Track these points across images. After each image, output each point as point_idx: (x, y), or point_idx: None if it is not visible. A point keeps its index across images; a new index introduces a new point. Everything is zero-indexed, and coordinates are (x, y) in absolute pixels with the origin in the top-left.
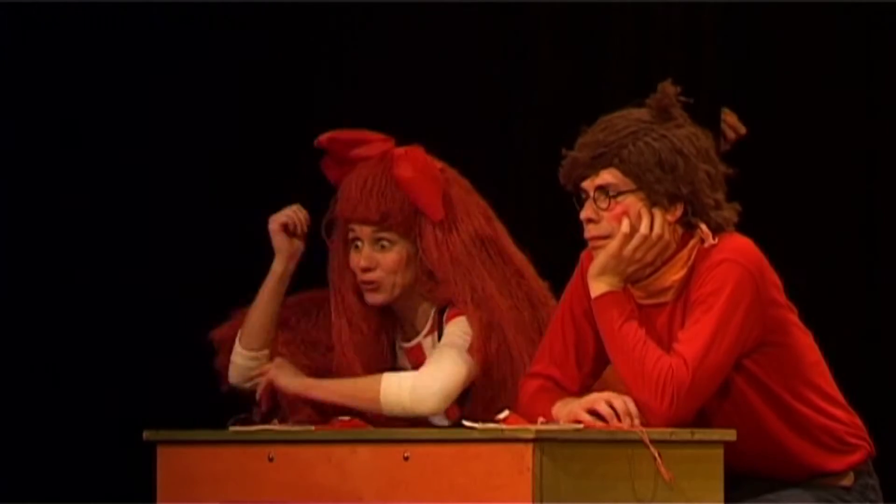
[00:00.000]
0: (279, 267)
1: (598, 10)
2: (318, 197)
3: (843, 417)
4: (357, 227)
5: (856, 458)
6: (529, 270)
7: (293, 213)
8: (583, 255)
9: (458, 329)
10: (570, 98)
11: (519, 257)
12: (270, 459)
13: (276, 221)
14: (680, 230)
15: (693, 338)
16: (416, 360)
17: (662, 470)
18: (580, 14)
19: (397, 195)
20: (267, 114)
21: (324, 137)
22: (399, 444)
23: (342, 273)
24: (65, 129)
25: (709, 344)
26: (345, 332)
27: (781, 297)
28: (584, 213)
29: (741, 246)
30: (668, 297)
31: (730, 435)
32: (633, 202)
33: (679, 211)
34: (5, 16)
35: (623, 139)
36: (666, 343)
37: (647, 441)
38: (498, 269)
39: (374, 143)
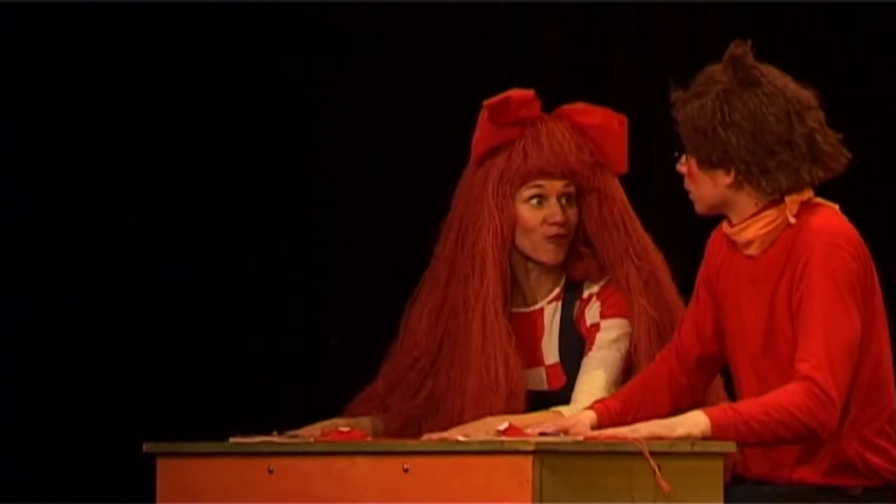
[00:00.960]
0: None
1: (601, 10)
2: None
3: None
4: (546, 183)
5: (874, 483)
6: None
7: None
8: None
9: (613, 334)
10: (572, 99)
11: None
12: (270, 471)
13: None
14: (755, 191)
15: (811, 349)
16: (531, 324)
17: (662, 482)
18: (582, 15)
19: (587, 149)
20: (266, 115)
21: (493, 100)
22: (399, 456)
23: (497, 236)
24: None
25: (829, 352)
26: (493, 294)
27: (876, 287)
28: (678, 167)
29: (835, 227)
30: (754, 249)
31: (729, 447)
32: (692, 164)
33: (731, 176)
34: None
35: (685, 100)
36: (756, 298)
37: (647, 453)
38: (640, 225)
39: (531, 103)
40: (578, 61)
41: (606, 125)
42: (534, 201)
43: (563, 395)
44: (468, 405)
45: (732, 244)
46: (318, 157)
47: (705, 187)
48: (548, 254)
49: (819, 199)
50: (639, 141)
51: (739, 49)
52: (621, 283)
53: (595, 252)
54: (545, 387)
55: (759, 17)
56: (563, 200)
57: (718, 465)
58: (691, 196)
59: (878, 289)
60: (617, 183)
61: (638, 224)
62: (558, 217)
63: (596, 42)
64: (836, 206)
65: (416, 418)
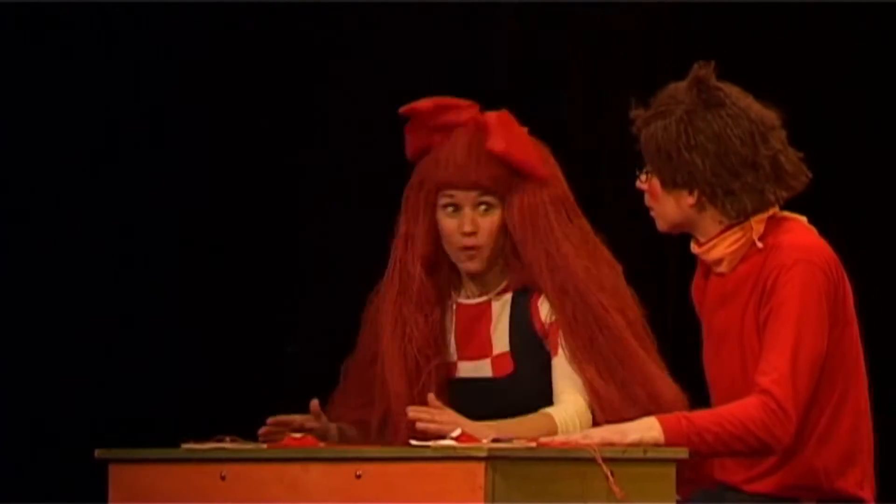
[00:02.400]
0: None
1: (558, 10)
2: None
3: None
4: (459, 193)
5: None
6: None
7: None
8: None
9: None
10: (529, 101)
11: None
12: (222, 478)
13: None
14: (718, 212)
15: (773, 363)
16: (479, 315)
17: (615, 488)
18: (539, 16)
19: (495, 161)
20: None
21: (406, 107)
22: (351, 463)
23: (412, 241)
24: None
25: (792, 366)
26: (407, 306)
27: (849, 303)
28: (637, 184)
29: (805, 243)
30: (723, 267)
31: (682, 453)
32: (655, 184)
33: (694, 197)
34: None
35: (647, 119)
36: (724, 314)
37: (600, 459)
38: (575, 230)
39: (462, 109)
40: (535, 63)
41: (518, 141)
42: (449, 209)
43: (508, 383)
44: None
45: (708, 267)
46: (281, 165)
47: (668, 207)
48: (464, 263)
49: (786, 213)
50: (593, 145)
51: (703, 70)
52: (548, 290)
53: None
54: (490, 374)
55: (713, 18)
56: (482, 209)
57: (671, 471)
58: (652, 213)
59: (850, 305)
60: (544, 189)
61: (567, 230)
62: (467, 227)
63: (554, 43)
64: (804, 219)
65: (373, 426)
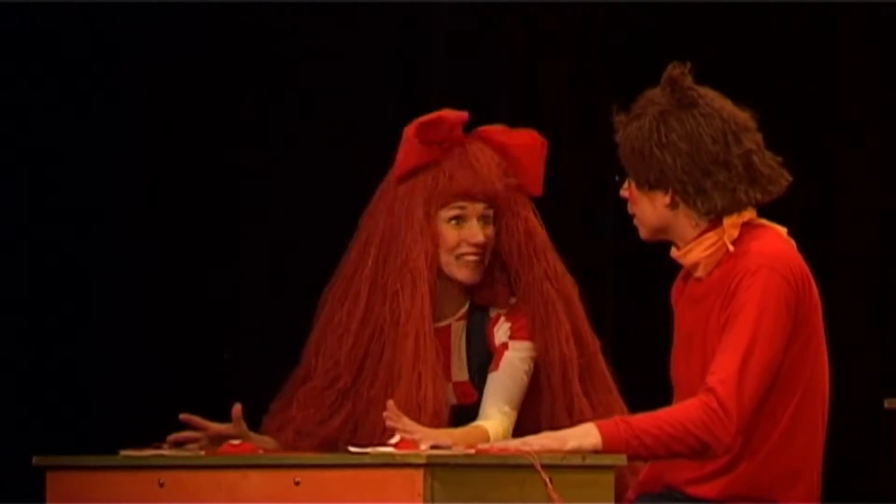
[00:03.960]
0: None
1: (491, 11)
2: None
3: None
4: (468, 204)
5: None
6: None
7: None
8: None
9: (522, 354)
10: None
11: None
12: (161, 485)
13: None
14: (695, 213)
15: (724, 363)
16: (439, 341)
17: (553, 495)
18: (474, 16)
19: (509, 172)
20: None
21: (420, 121)
22: (290, 469)
23: (429, 251)
24: None
25: (741, 367)
26: (426, 311)
27: (815, 315)
28: (621, 192)
29: (771, 250)
30: (700, 272)
31: (620, 460)
32: (633, 187)
33: (668, 197)
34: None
35: (624, 123)
36: (698, 317)
37: (538, 466)
38: (551, 253)
39: (456, 123)
40: (469, 64)
41: (531, 146)
42: (454, 222)
43: (474, 409)
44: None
45: (689, 271)
46: (221, 169)
47: (646, 209)
48: (465, 273)
49: (762, 221)
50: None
51: (677, 70)
52: (540, 304)
53: (507, 277)
54: (455, 402)
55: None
56: (483, 221)
57: (609, 477)
58: (635, 221)
59: (816, 318)
60: (531, 206)
61: (550, 247)
62: (478, 238)
63: (489, 43)
64: (782, 229)
65: (333, 440)
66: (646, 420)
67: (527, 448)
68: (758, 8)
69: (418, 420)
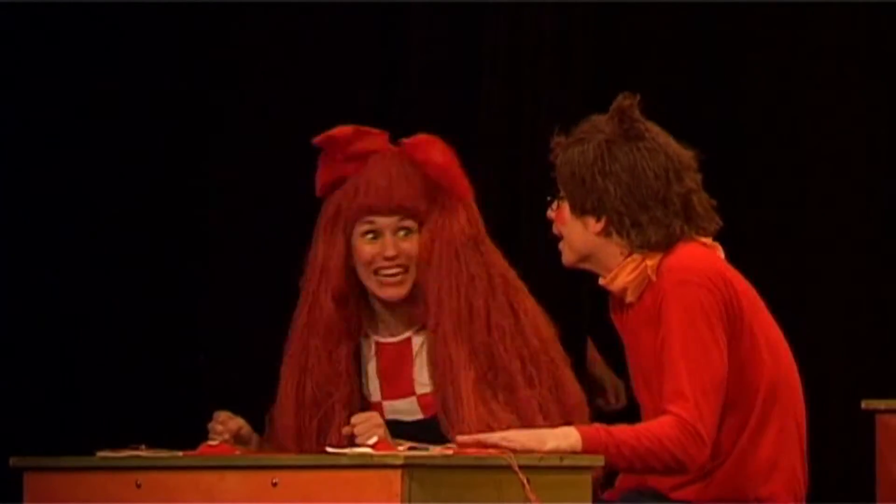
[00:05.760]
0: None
1: (471, 10)
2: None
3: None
4: (379, 218)
5: None
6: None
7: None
8: None
9: None
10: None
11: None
12: (138, 486)
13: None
14: (622, 241)
15: (675, 388)
16: (400, 354)
17: (531, 496)
18: (453, 15)
19: (423, 182)
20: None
21: (320, 137)
22: (267, 471)
23: (326, 274)
24: None
25: (691, 386)
26: (313, 339)
27: (748, 317)
28: (548, 213)
29: (685, 264)
30: (630, 296)
31: (598, 461)
32: (565, 207)
33: (601, 224)
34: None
35: (566, 145)
36: (643, 344)
37: (516, 467)
38: (481, 260)
39: (374, 136)
40: (449, 63)
41: (441, 160)
42: (369, 236)
43: (439, 421)
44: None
45: (619, 299)
46: (190, 171)
47: (575, 233)
48: (385, 289)
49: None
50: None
51: (627, 101)
52: (440, 322)
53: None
54: (420, 415)
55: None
56: (402, 233)
57: (587, 479)
58: (560, 244)
59: (753, 310)
60: (462, 212)
61: (487, 246)
62: (389, 251)
63: (468, 43)
64: (705, 240)
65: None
66: (625, 431)
67: (507, 444)
68: (738, 9)
69: (297, 427)
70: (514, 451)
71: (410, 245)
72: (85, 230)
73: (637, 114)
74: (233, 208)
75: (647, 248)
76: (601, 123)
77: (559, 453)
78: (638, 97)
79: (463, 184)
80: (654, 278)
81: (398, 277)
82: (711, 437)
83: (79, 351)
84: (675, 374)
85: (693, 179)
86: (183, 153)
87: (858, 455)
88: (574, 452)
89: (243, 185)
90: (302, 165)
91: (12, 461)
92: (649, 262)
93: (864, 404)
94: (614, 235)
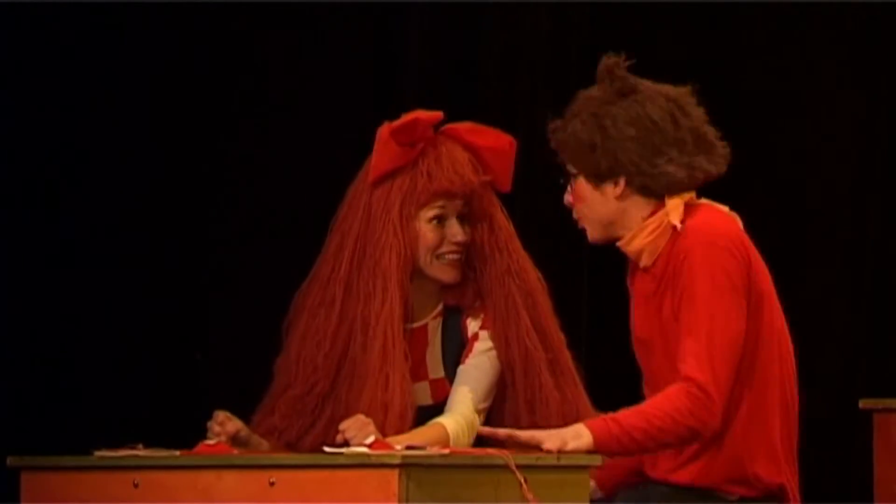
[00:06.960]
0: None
1: (468, 9)
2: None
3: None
4: (448, 203)
5: (751, 494)
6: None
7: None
8: None
9: (490, 344)
10: (441, 98)
11: None
12: (135, 485)
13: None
14: (643, 200)
15: (693, 348)
16: (416, 340)
17: (528, 495)
18: (450, 14)
19: (480, 169)
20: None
21: (385, 128)
22: (265, 470)
23: (403, 260)
24: None
25: (709, 349)
26: (396, 313)
27: (765, 287)
28: (565, 199)
29: (712, 224)
30: (645, 259)
31: (595, 460)
32: (581, 185)
33: (621, 184)
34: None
35: (563, 124)
36: (656, 309)
37: (513, 466)
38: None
39: (428, 121)
40: (446, 61)
41: (498, 146)
42: (435, 221)
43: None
44: None
45: (636, 263)
46: (193, 171)
47: (596, 205)
48: (446, 272)
49: (702, 200)
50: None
51: (612, 60)
52: (501, 301)
53: (475, 275)
54: (430, 401)
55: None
56: (461, 220)
57: (584, 477)
58: (582, 224)
59: (766, 283)
60: (499, 202)
61: (516, 242)
62: (460, 237)
63: (465, 41)
64: (723, 207)
65: (318, 446)
66: (634, 416)
67: (535, 443)
68: (738, 9)
69: (384, 421)
70: (549, 451)
71: (468, 232)
72: (85, 230)
73: (624, 71)
74: (233, 208)
75: (674, 189)
76: (591, 91)
77: (577, 453)
78: (622, 55)
79: (506, 174)
80: (678, 225)
81: (458, 260)
82: (723, 401)
83: (76, 351)
84: (691, 334)
85: (697, 111)
86: (183, 153)
87: (856, 454)
88: (589, 452)
89: (243, 185)
90: (302, 165)
91: (10, 461)
92: (672, 217)
93: (861, 404)
94: (635, 195)
